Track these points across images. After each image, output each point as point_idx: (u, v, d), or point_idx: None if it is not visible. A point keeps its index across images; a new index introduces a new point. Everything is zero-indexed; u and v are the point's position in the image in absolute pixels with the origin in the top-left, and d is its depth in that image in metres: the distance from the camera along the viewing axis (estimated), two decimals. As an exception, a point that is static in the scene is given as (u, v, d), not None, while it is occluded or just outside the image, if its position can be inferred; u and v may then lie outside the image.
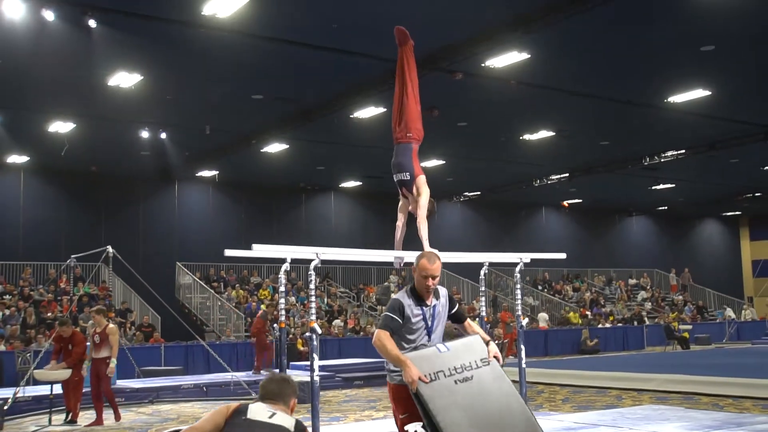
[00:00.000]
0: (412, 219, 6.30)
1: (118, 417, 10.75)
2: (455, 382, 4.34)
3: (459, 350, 4.52)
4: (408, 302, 4.59)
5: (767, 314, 31.27)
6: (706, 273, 33.88)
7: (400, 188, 6.30)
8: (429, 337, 4.57)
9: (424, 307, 4.61)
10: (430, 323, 4.59)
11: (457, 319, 4.85)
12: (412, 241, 6.19)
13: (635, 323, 27.05)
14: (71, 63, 12.98)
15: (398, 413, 4.55)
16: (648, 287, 32.24)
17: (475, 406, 4.29)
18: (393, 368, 4.52)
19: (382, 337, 4.43)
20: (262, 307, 18.74)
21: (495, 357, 4.56)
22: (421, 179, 6.14)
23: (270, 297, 22.49)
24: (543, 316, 25.99)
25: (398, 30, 6.49)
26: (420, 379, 4.23)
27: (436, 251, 5.04)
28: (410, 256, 6.01)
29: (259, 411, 3.44)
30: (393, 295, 5.74)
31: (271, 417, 3.40)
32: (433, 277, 4.57)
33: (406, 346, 4.51)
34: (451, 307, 4.77)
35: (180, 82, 14.66)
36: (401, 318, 4.50)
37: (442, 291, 4.73)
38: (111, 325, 10.72)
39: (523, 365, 7.20)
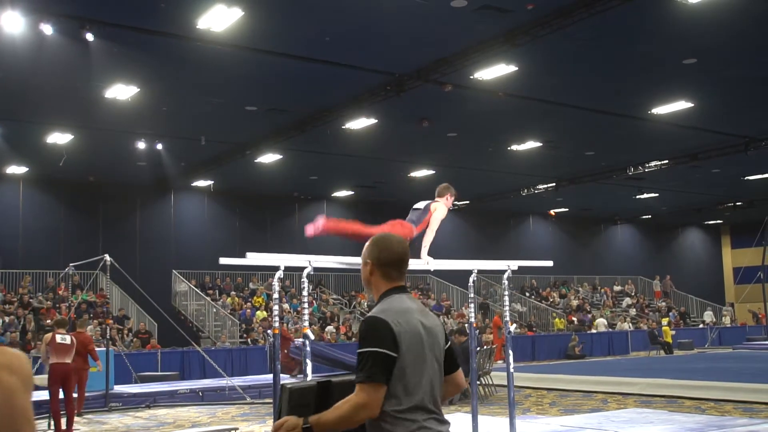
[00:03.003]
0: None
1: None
2: None
3: None
4: None
5: (747, 320, 31.47)
6: (688, 280, 34.16)
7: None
8: None
9: None
10: None
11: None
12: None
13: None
14: (69, 75, 13.05)
15: None
16: (633, 294, 32.49)
17: None
18: None
19: None
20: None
21: None
22: (434, 205, 6.35)
23: (264, 304, 22.65)
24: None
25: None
26: None
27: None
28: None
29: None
30: None
31: None
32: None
33: None
34: None
35: (176, 94, 14.76)
36: None
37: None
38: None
39: (512, 370, 7.29)
